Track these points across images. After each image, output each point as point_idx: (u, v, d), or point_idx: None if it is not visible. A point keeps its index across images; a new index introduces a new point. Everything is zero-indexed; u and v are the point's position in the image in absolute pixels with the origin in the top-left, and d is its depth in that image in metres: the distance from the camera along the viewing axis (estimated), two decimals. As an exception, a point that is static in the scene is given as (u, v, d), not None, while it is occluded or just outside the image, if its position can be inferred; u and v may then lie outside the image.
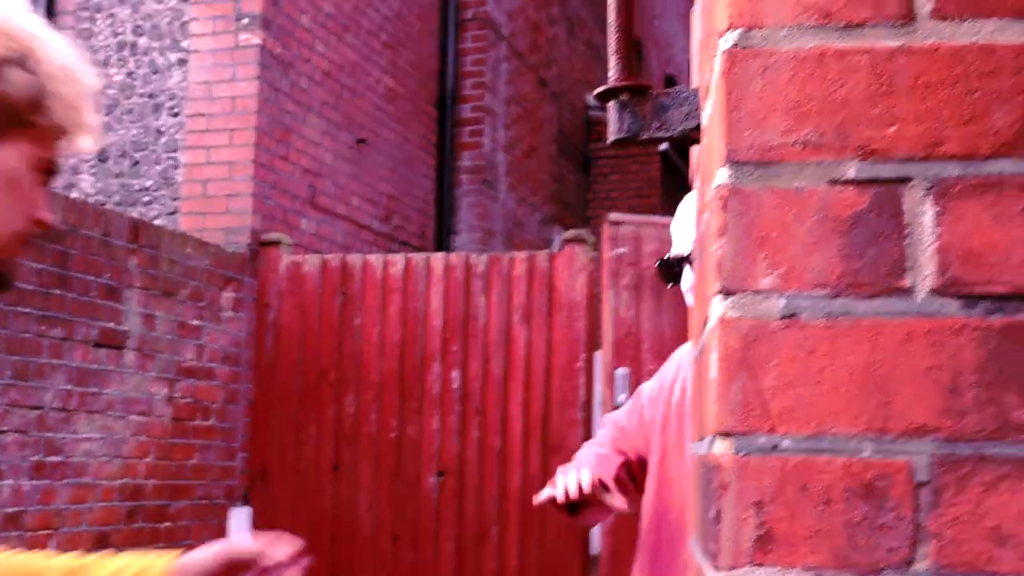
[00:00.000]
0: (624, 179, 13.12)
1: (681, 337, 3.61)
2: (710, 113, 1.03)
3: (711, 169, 1.00)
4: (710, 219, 0.95)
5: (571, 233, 6.31)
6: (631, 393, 4.05)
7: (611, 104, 1.23)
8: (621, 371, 5.74)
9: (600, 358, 6.15)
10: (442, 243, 9.44)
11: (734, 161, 0.90)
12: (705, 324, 1.02)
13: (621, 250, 5.82)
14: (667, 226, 5.94)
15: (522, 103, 10.76)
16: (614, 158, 13.19)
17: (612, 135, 1.22)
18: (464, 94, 9.86)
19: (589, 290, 6.18)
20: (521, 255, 6.35)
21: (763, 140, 0.90)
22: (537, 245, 10.85)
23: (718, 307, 0.90)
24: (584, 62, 13.48)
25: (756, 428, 0.86)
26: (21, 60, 1.22)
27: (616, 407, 5.38)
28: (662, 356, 4.47)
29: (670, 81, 16.32)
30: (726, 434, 0.87)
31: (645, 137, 1.20)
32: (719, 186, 0.91)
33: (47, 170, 1.26)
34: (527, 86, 10.95)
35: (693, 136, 1.19)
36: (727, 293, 0.89)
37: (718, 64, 0.94)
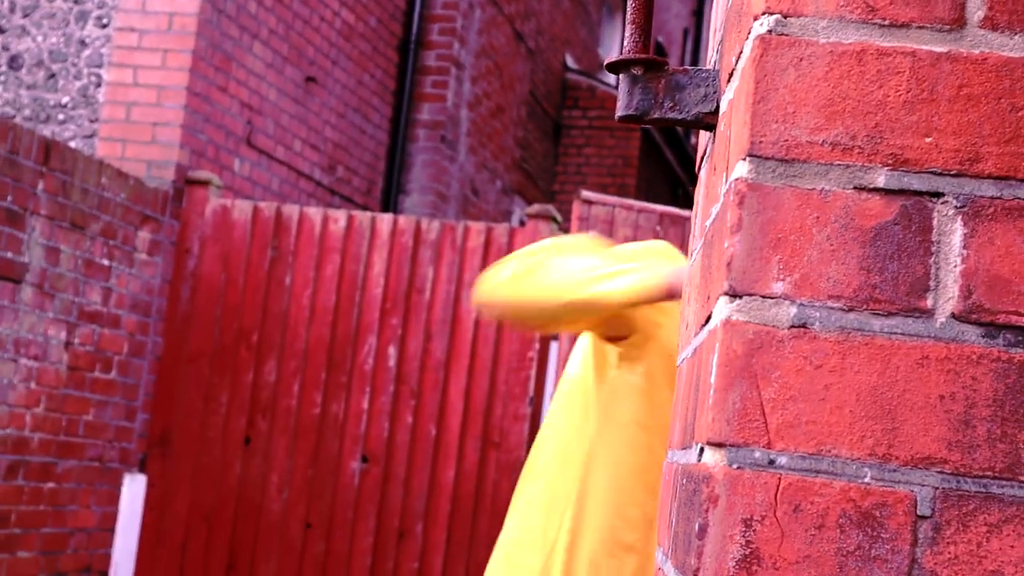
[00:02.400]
0: (599, 154, 13.17)
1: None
2: (732, 99, 1.07)
3: (729, 160, 1.04)
4: (724, 213, 1.00)
5: (536, 208, 6.35)
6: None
7: (621, 77, 1.27)
8: (576, 366, 5.79)
9: (556, 351, 6.21)
10: (389, 203, 9.45)
11: (756, 155, 0.94)
12: (705, 323, 1.06)
13: (592, 233, 5.87)
14: (645, 211, 6.01)
15: (493, 56, 10.77)
16: (589, 129, 13.24)
17: (620, 111, 1.26)
18: (430, 40, 9.85)
19: (550, 273, 6.22)
20: (478, 226, 6.39)
21: (789, 136, 0.94)
22: (494, 216, 10.88)
23: (723, 308, 0.94)
24: (567, 19, 13.50)
25: (752, 441, 0.91)
26: None
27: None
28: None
29: (659, 50, 16.37)
30: (719, 444, 0.92)
31: (655, 116, 1.24)
32: (737, 179, 0.95)
33: None
34: (501, 38, 10.95)
35: (708, 121, 1.23)
36: (734, 295, 0.93)
37: (748, 49, 0.98)
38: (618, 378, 2.28)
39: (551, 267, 2.29)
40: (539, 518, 2.30)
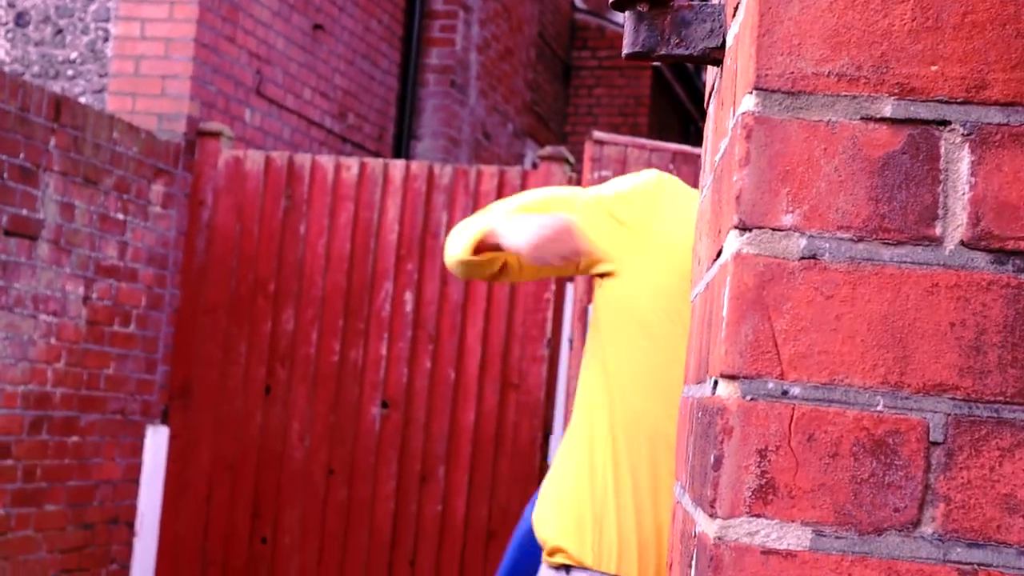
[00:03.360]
0: (609, 93, 13.10)
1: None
2: (738, 33, 1.07)
3: (736, 94, 1.04)
4: (732, 147, 1.00)
5: (548, 150, 6.33)
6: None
7: (627, 14, 1.27)
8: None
9: (572, 292, 6.21)
10: (401, 149, 9.43)
11: (762, 88, 0.94)
12: (716, 258, 1.07)
13: (605, 173, 5.86)
14: (657, 150, 5.99)
15: (501, -2, 10.70)
16: (599, 69, 13.16)
17: (626, 48, 1.26)
18: (437, -17, 9.79)
19: (563, 214, 6.21)
20: (491, 169, 6.38)
21: (795, 68, 0.94)
22: (506, 160, 10.86)
23: (734, 242, 0.95)
24: (574, -43, 13.39)
25: (765, 372, 0.91)
26: None
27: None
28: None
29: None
30: (732, 376, 0.93)
31: (662, 53, 1.24)
32: (744, 113, 0.95)
33: None
34: (508, -21, 10.87)
35: (715, 56, 1.22)
36: (744, 228, 0.93)
37: (753, -19, 0.98)
38: (602, 294, 2.50)
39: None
40: (579, 429, 2.48)
